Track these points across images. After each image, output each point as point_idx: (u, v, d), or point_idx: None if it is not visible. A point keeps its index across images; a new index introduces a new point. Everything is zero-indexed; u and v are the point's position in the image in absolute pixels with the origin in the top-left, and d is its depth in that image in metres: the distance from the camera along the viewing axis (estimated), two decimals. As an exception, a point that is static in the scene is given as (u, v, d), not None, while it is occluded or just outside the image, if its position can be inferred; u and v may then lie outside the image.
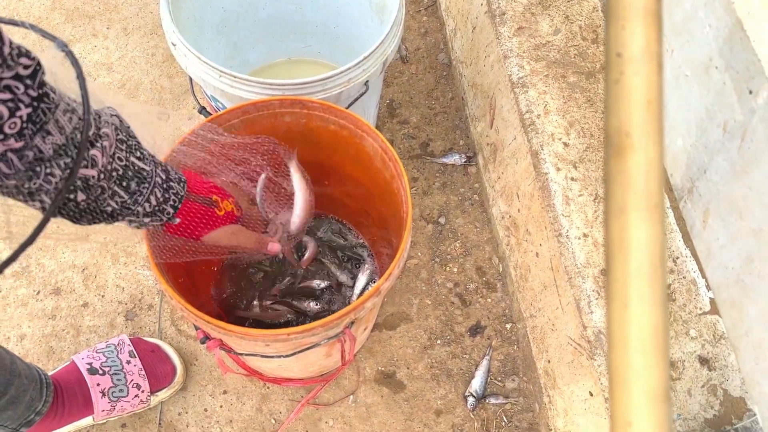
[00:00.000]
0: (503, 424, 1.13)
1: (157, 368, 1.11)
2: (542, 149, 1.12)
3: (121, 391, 1.06)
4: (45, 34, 0.56)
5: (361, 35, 1.26)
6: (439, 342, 1.19)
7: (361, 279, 1.13)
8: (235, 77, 0.90)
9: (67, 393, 1.04)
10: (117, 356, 1.08)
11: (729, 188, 0.64)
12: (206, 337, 0.93)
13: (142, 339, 1.14)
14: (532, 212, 1.15)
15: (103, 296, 1.20)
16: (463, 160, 1.35)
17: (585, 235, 1.05)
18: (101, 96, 0.63)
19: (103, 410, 1.05)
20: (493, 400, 1.14)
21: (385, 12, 1.13)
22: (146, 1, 1.52)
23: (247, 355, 0.92)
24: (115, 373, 1.07)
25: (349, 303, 1.14)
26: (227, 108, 1.03)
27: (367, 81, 0.98)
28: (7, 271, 1.22)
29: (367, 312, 0.83)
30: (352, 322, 0.82)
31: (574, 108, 1.15)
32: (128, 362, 1.08)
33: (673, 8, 0.71)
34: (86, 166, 0.57)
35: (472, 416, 1.13)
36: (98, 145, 0.58)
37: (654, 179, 0.33)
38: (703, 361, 0.97)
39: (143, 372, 1.08)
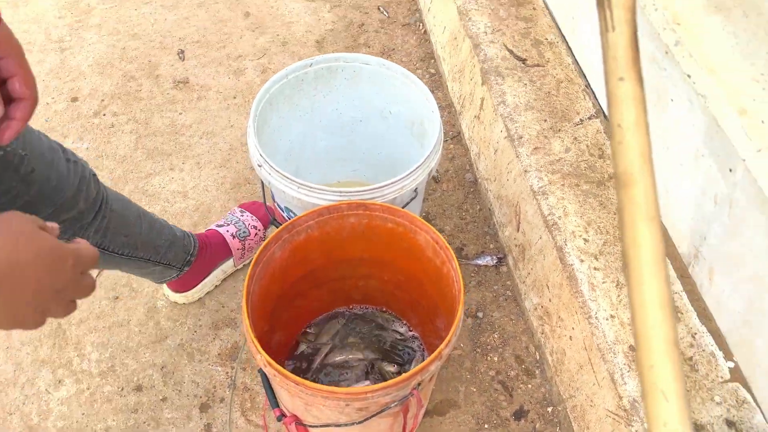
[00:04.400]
0: (553, 501, 1.19)
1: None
2: (566, 244, 1.29)
3: None
4: None
5: (402, 158, 1.49)
6: (486, 426, 1.29)
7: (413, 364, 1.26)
8: (311, 188, 1.11)
9: None
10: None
11: (726, 247, 0.80)
12: (282, 415, 1.06)
13: None
14: (563, 300, 1.30)
15: (180, 391, 1.33)
16: (495, 261, 1.52)
17: (612, 316, 1.19)
18: None
19: None
20: (541, 479, 1.22)
21: (426, 137, 1.37)
22: (215, 140, 1.79)
23: (321, 426, 1.04)
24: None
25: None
26: (303, 213, 1.24)
27: (416, 188, 1.18)
28: (95, 370, 1.37)
29: (431, 375, 0.96)
30: (419, 384, 0.95)
31: (590, 210, 1.34)
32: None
33: (662, 115, 0.91)
34: None
35: (523, 494, 1.20)
36: None
37: (651, 200, 0.51)
38: (730, 423, 1.07)
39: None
